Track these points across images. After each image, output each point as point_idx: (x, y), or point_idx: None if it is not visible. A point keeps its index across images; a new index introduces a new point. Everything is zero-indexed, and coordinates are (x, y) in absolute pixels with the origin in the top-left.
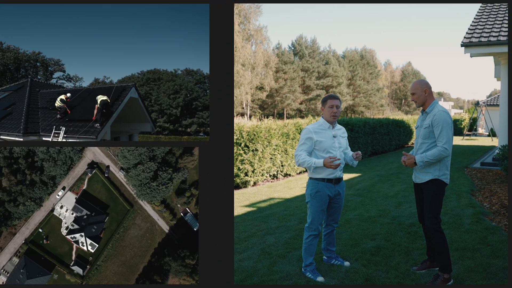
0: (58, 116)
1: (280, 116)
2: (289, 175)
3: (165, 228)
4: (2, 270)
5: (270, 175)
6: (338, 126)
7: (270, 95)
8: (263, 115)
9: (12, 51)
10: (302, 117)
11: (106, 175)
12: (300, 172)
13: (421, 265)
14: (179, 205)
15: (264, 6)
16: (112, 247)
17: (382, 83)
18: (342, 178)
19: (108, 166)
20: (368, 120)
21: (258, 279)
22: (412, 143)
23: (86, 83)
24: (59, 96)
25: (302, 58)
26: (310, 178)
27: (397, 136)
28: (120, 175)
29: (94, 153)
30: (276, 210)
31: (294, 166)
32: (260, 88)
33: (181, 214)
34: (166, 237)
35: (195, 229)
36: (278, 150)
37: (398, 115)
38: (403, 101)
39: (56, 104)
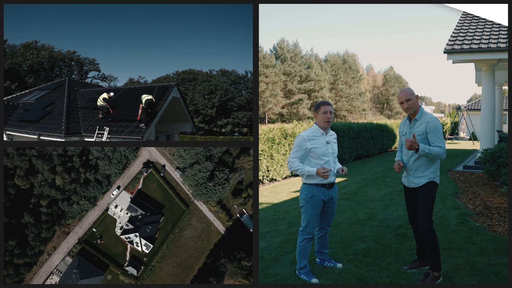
0: (100, 116)
1: (262, 120)
2: (275, 180)
3: (221, 229)
4: (55, 270)
5: None
6: (331, 132)
7: None
8: None
9: (46, 50)
10: (284, 121)
11: (161, 174)
12: (285, 177)
13: (412, 265)
14: (235, 206)
15: None
16: (167, 248)
17: (364, 87)
18: (335, 182)
19: (164, 166)
20: (352, 125)
21: None
22: (396, 147)
23: (121, 82)
24: (99, 95)
25: (284, 62)
26: (304, 183)
27: (381, 140)
28: (176, 175)
29: (150, 152)
30: (265, 215)
31: (280, 171)
32: None
33: (238, 215)
34: (222, 238)
35: (251, 230)
36: (264, 155)
37: (381, 119)
38: (385, 105)
39: (98, 103)
